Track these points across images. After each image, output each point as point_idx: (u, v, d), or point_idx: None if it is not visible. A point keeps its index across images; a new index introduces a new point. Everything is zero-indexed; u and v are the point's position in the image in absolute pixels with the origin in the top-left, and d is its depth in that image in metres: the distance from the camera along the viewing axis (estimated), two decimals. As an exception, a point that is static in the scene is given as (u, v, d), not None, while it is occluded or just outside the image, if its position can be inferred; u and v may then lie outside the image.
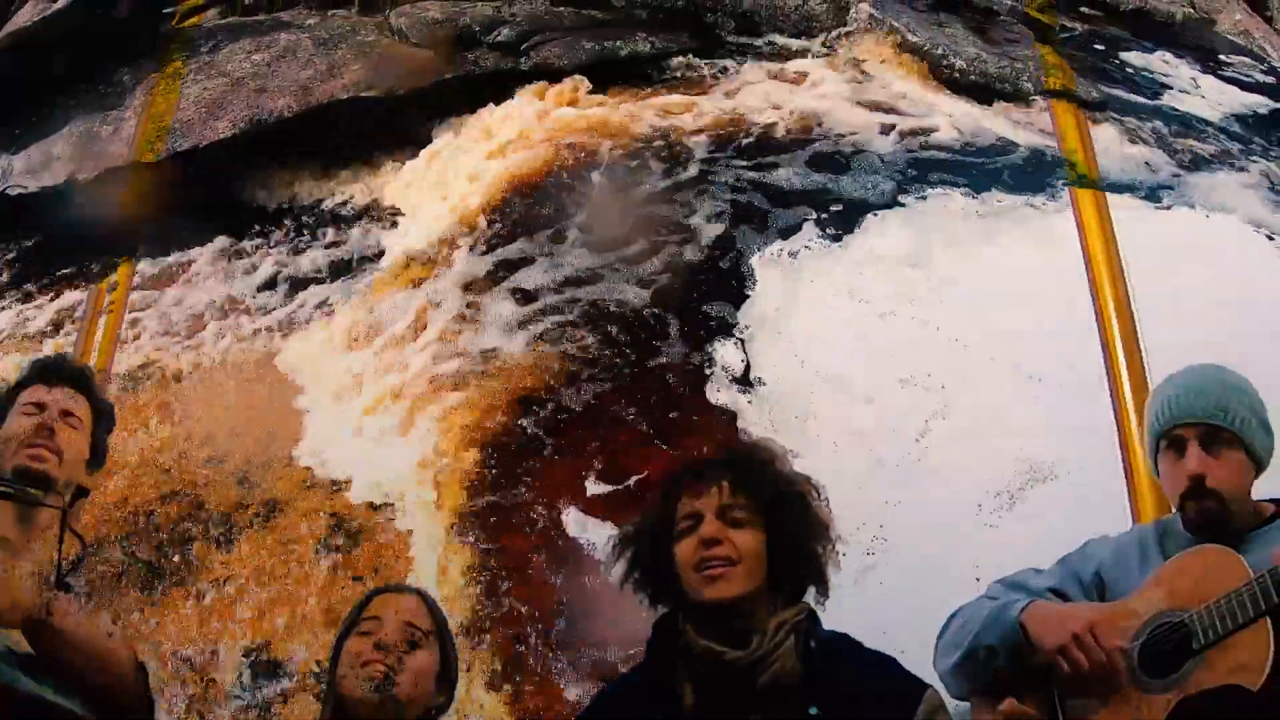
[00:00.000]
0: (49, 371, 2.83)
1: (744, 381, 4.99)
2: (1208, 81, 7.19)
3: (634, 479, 4.66)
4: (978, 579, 2.87)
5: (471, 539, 4.45)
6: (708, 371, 5.08)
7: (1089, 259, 5.47)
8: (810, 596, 2.35)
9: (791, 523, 2.31)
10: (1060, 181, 6.00)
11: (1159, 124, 6.65)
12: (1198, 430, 2.54)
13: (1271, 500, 2.59)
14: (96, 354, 5.50)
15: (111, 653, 2.40)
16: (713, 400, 4.93)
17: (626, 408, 4.96)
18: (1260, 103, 7.23)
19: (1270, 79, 7.57)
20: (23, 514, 2.61)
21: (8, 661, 2.22)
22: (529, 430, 4.93)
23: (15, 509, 2.60)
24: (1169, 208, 5.96)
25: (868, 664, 2.32)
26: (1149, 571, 2.55)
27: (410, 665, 2.38)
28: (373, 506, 4.57)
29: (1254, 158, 6.56)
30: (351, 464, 4.78)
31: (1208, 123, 6.85)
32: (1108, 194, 5.99)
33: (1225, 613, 2.35)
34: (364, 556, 4.38)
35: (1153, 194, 6.09)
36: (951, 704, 2.48)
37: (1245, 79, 7.43)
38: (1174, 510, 2.61)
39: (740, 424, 4.80)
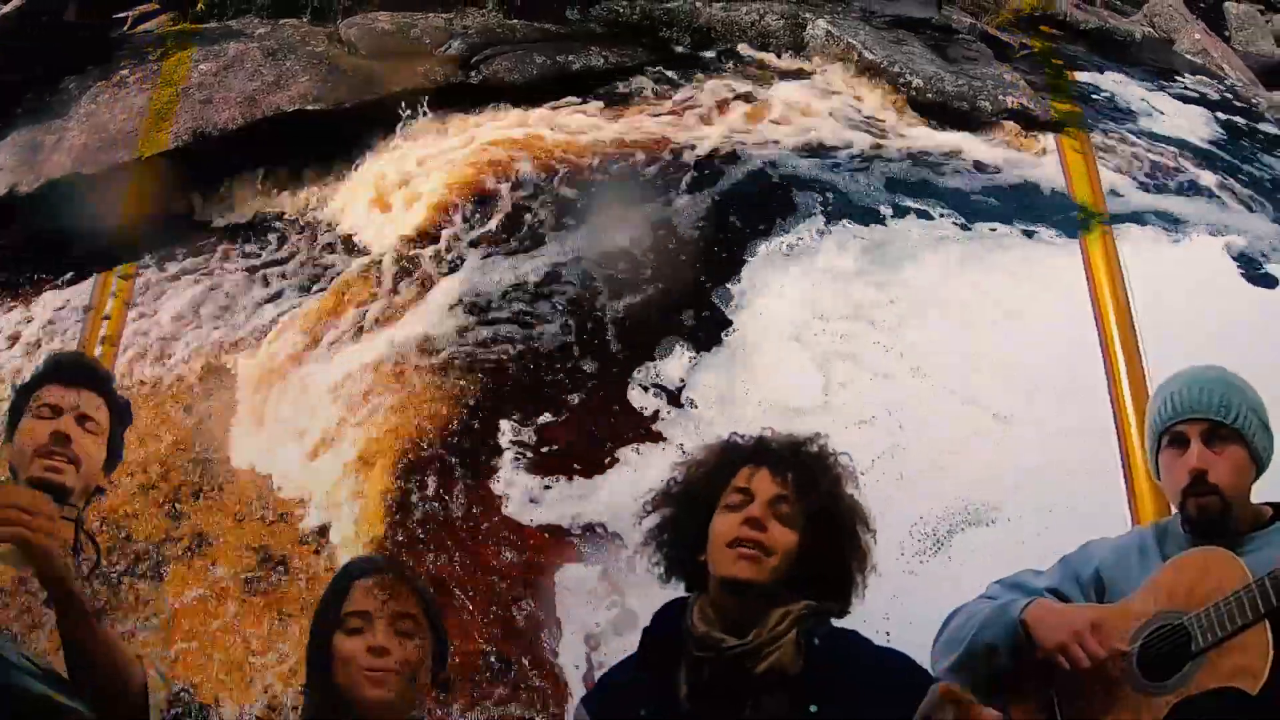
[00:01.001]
0: (64, 371, 2.70)
1: (675, 402, 4.93)
2: (1161, 100, 7.18)
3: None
4: (887, 633, 2.81)
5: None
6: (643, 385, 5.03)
7: (1097, 298, 5.42)
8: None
9: (830, 539, 2.28)
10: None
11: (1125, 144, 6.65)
12: (1200, 426, 2.56)
13: (1270, 504, 2.60)
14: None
15: (131, 662, 2.34)
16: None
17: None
18: (1218, 120, 7.24)
19: (1228, 97, 7.56)
20: None
21: (19, 665, 2.16)
22: (461, 452, 4.85)
23: None
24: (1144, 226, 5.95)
25: (873, 661, 2.27)
26: (1148, 573, 2.56)
27: (410, 661, 2.33)
28: (303, 540, 4.49)
29: (1216, 174, 6.56)
30: (286, 494, 4.69)
31: (1167, 140, 6.84)
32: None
33: (1225, 615, 2.35)
34: (293, 591, 4.29)
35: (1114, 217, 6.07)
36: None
37: (1199, 96, 7.43)
38: (1173, 508, 2.62)
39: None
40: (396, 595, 2.37)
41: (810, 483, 2.29)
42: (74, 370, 2.72)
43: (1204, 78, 7.70)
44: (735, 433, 2.43)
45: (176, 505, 4.66)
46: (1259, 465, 2.59)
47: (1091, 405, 4.89)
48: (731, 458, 2.36)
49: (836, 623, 2.30)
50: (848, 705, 2.17)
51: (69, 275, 6.00)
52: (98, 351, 5.46)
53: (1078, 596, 2.64)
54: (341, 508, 4.58)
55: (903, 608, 2.77)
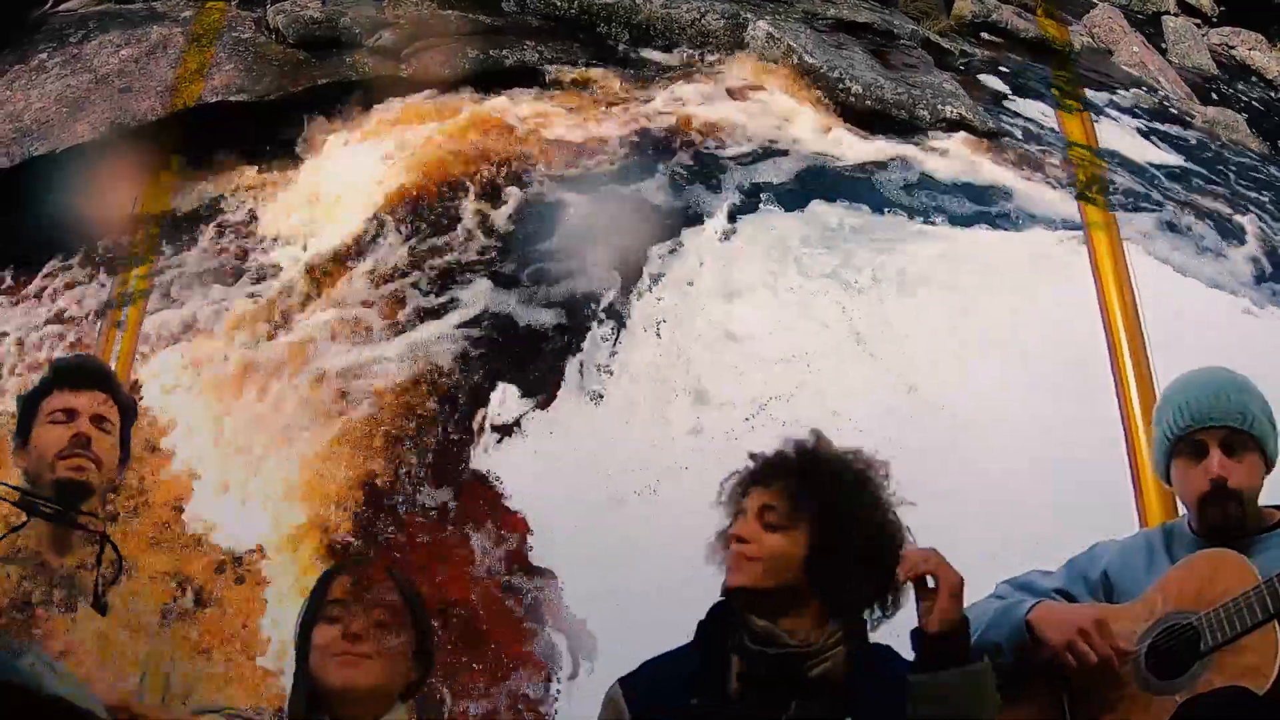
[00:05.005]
0: (73, 375, 2.75)
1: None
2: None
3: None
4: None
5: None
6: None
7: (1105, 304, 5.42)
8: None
9: (833, 536, 2.30)
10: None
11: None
12: (1219, 434, 2.56)
13: (1275, 506, 2.63)
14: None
15: None
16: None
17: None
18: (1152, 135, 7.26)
19: (1163, 111, 7.59)
20: (57, 530, 2.57)
21: (34, 663, 2.15)
22: (400, 469, 4.74)
23: (49, 525, 2.56)
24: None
25: (905, 675, 2.30)
26: (1155, 574, 2.58)
27: (385, 649, 2.32)
28: (220, 568, 4.33)
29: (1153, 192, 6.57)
30: (205, 518, 4.54)
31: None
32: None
33: (1234, 615, 2.37)
34: (211, 623, 4.14)
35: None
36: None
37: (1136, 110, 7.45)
38: (1184, 512, 2.65)
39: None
40: (377, 586, 2.37)
41: (803, 486, 2.33)
42: (79, 373, 2.78)
43: (1139, 90, 7.72)
44: (750, 454, 2.45)
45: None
46: (1269, 465, 2.63)
47: (1099, 402, 4.92)
48: (744, 481, 2.43)
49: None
50: (880, 716, 2.24)
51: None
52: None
53: (1085, 597, 2.66)
54: (268, 536, 4.45)
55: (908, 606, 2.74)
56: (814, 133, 6.25)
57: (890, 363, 5.20)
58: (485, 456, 4.87)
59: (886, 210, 5.96)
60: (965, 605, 2.53)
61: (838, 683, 2.26)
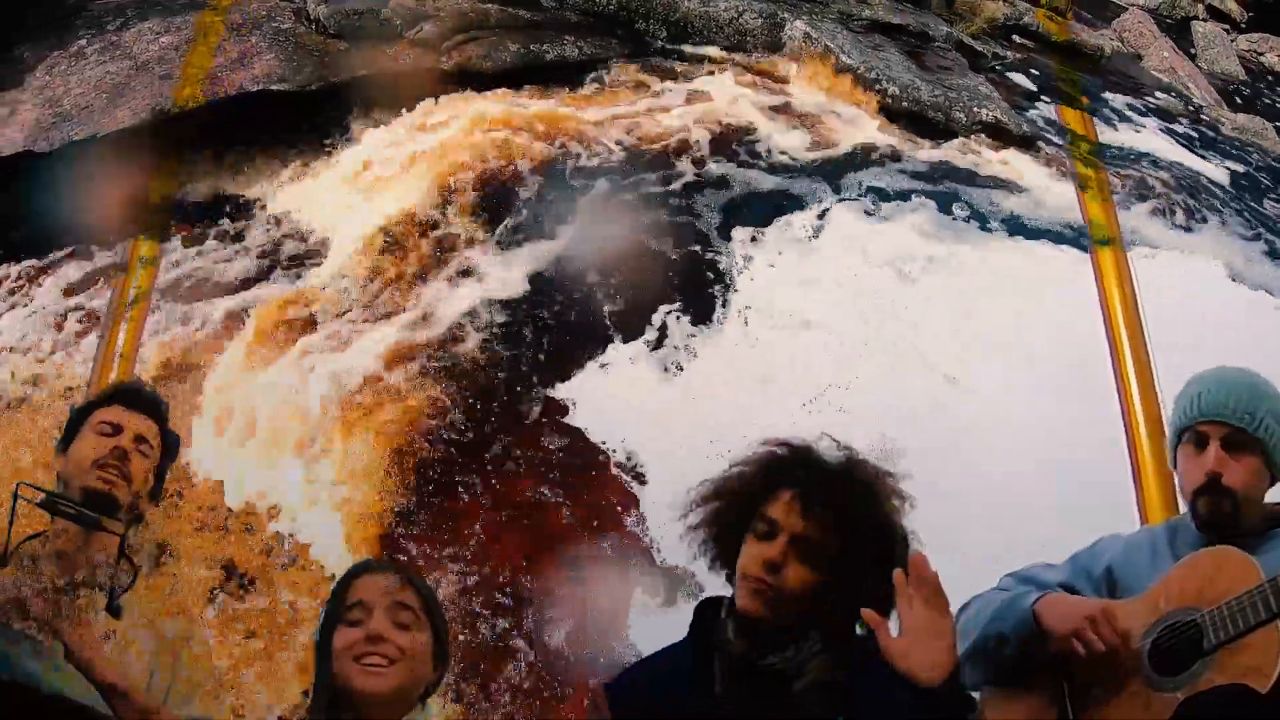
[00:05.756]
0: (128, 396, 2.80)
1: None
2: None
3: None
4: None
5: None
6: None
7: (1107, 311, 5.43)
8: None
9: (859, 571, 2.19)
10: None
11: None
12: (1222, 430, 2.56)
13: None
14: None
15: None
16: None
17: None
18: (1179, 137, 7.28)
19: (1189, 116, 7.61)
20: (84, 533, 2.60)
21: (34, 659, 2.10)
22: (447, 450, 4.74)
23: (78, 528, 2.60)
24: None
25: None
26: (1159, 570, 2.55)
27: (406, 650, 2.31)
28: (269, 551, 4.34)
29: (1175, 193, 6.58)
30: (252, 499, 4.54)
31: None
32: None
33: (1237, 613, 2.35)
34: (261, 606, 4.15)
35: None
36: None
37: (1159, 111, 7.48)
38: (1182, 503, 2.62)
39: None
40: (397, 589, 2.37)
41: (844, 520, 2.21)
42: (136, 396, 2.81)
43: (1169, 96, 7.74)
44: (782, 442, 2.31)
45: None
46: (1275, 472, 2.60)
47: (1100, 400, 4.93)
48: (772, 476, 2.27)
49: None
50: (875, 711, 2.16)
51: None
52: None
53: (1089, 592, 2.64)
54: (316, 517, 4.45)
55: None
56: (882, 135, 6.30)
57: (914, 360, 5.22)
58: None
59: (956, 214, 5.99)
60: (967, 599, 2.64)
61: (833, 683, 2.20)
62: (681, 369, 5.16)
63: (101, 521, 2.60)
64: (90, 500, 2.61)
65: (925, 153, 6.22)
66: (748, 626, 2.20)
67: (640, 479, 4.70)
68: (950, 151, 6.25)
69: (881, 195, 5.93)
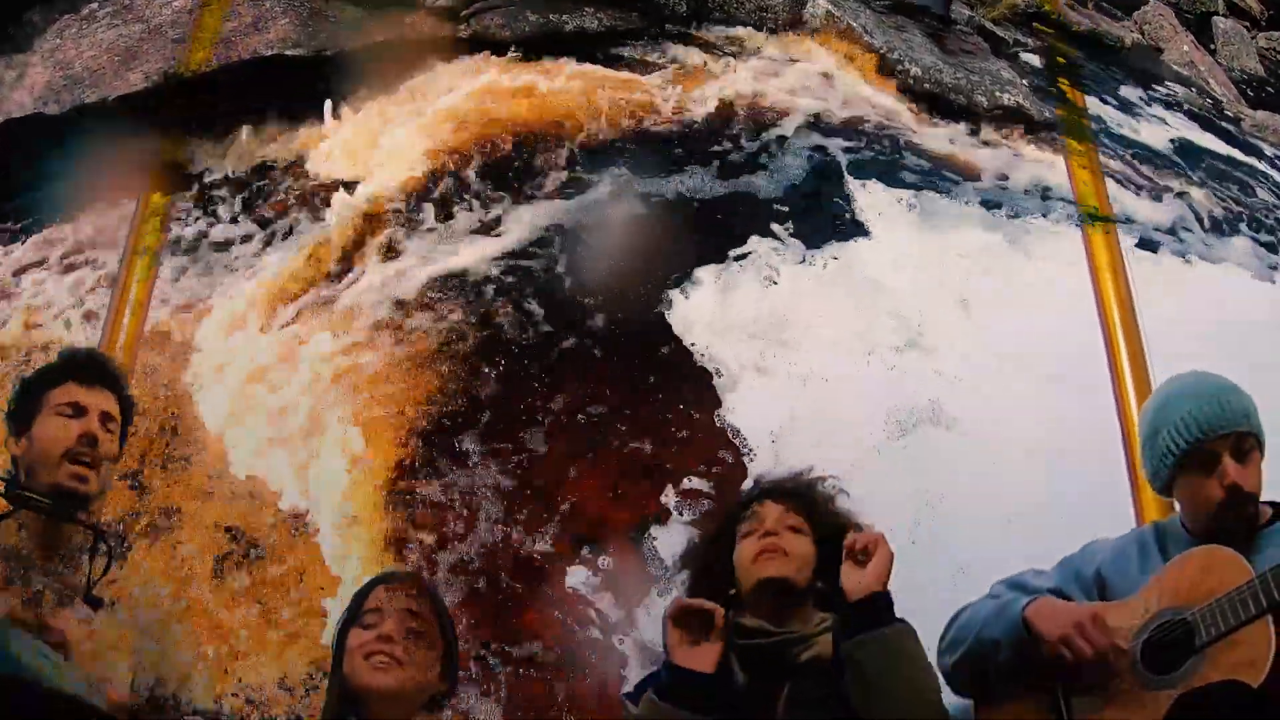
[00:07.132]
0: (81, 370, 2.69)
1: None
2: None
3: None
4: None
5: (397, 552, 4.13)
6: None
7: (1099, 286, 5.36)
8: None
9: (835, 549, 2.62)
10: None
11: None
12: (1226, 440, 2.57)
13: (1270, 503, 2.65)
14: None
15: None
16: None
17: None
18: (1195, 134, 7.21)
19: (1210, 111, 7.54)
20: (48, 525, 2.54)
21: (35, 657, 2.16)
22: (460, 419, 4.62)
23: (41, 518, 2.53)
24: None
25: None
26: (1149, 572, 2.60)
27: (414, 656, 2.43)
28: (281, 518, 4.21)
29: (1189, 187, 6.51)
30: (259, 467, 4.40)
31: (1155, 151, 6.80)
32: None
33: (1227, 610, 2.38)
34: (270, 576, 4.02)
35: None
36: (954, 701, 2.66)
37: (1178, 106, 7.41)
38: (1204, 521, 2.62)
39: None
40: (412, 597, 2.52)
41: (810, 504, 2.72)
42: (91, 369, 2.72)
43: (1188, 90, 7.67)
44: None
45: (141, 479, 4.34)
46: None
47: (1094, 398, 4.86)
48: (740, 502, 2.79)
49: None
50: None
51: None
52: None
53: (1079, 596, 2.68)
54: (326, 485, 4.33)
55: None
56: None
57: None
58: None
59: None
60: (962, 605, 2.77)
61: (828, 660, 2.48)
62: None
63: (75, 515, 2.55)
64: (60, 499, 2.54)
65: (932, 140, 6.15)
66: (770, 587, 2.58)
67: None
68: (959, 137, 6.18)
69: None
